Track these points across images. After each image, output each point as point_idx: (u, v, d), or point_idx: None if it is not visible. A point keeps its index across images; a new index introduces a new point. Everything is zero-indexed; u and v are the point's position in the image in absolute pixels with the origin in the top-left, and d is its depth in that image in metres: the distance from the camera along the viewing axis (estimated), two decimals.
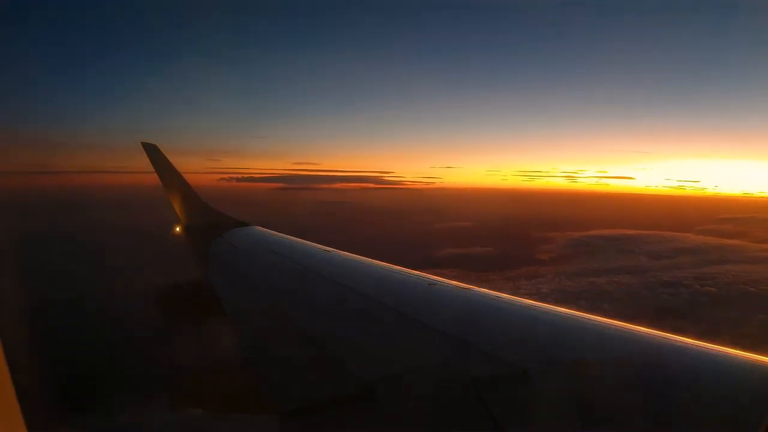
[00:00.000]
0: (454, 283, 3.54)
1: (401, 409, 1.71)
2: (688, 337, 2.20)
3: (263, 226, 6.72)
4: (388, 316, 2.83)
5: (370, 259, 4.44)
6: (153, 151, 7.54)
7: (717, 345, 2.06)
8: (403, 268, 4.04)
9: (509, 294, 3.26)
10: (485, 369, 1.94)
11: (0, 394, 1.78)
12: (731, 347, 2.05)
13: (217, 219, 6.88)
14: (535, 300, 3.15)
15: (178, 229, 6.48)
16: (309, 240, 5.63)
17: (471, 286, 3.42)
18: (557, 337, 2.42)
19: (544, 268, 44.45)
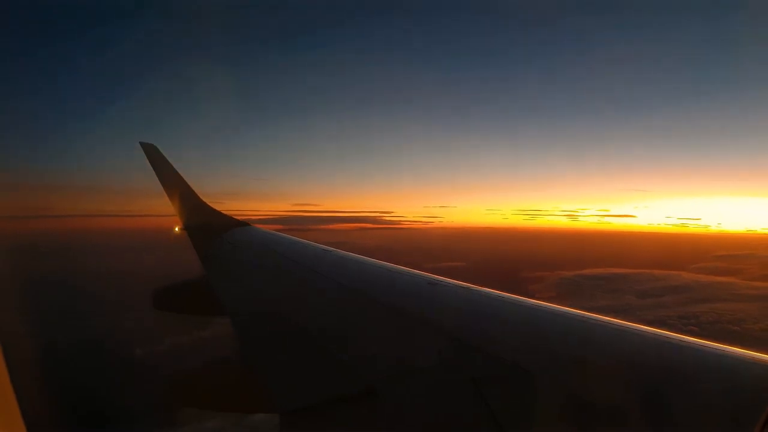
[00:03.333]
0: (455, 281, 3.51)
1: (402, 408, 1.70)
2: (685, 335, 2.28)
3: None
4: (389, 314, 2.83)
5: (370, 259, 4.45)
6: (152, 151, 7.45)
7: (714, 343, 2.13)
8: (404, 267, 4.02)
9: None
10: (486, 368, 1.94)
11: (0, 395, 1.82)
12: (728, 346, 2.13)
13: (216, 219, 6.89)
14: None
15: (177, 228, 6.42)
16: None
17: (471, 285, 3.37)
18: (558, 336, 2.40)
19: None
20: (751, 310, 42.33)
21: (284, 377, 2.07)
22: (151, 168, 7.32)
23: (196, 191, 7.45)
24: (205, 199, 7.41)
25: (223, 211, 7.28)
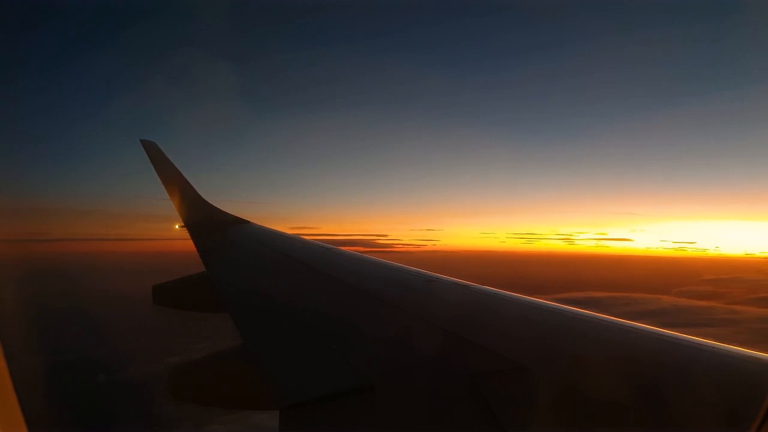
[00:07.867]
0: (453, 279, 3.52)
1: (401, 406, 1.70)
2: (684, 333, 2.26)
3: None
4: (387, 311, 2.85)
5: (368, 256, 4.52)
6: (152, 149, 7.49)
7: (713, 341, 2.11)
8: (402, 265, 4.06)
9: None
10: (485, 365, 1.93)
11: (0, 395, 1.81)
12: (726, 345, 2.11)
13: (216, 216, 6.90)
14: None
15: (177, 225, 6.45)
16: None
17: (469, 283, 3.37)
18: (557, 333, 2.42)
19: None
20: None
21: (283, 373, 2.09)
22: (152, 166, 7.18)
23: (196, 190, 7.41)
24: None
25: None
